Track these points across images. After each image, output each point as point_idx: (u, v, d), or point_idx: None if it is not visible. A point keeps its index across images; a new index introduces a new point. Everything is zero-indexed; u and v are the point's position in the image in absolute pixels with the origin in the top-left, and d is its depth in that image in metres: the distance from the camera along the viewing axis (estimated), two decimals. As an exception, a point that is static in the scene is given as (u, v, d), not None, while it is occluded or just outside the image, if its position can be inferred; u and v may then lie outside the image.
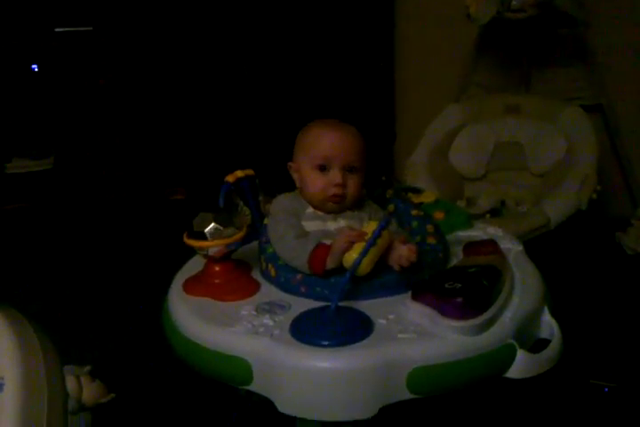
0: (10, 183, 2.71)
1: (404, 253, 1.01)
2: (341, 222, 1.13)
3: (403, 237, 1.05)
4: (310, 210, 1.14)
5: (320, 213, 1.14)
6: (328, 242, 1.05)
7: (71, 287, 2.32)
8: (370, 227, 1.02)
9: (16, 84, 2.68)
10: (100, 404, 1.41)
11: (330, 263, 1.01)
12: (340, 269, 1.02)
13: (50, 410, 0.80)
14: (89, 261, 2.53)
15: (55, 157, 2.77)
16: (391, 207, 1.28)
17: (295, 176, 1.18)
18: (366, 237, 1.00)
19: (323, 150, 1.11)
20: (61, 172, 2.75)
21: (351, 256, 0.99)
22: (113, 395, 1.44)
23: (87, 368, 1.49)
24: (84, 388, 1.40)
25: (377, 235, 0.99)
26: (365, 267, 0.99)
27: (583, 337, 1.71)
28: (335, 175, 1.10)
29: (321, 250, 1.03)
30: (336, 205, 1.13)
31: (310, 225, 1.12)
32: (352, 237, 1.00)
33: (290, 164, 1.18)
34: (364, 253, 0.98)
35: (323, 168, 1.11)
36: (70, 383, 1.38)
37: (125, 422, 1.45)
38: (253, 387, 0.94)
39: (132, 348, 1.85)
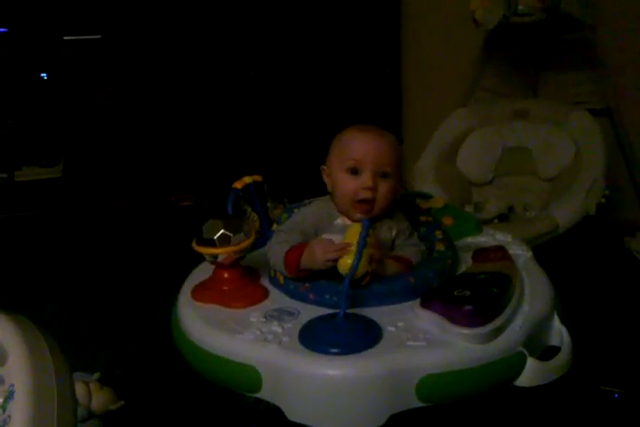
0: (19, 191, 2.72)
1: None
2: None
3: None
4: (339, 221, 1.12)
5: (349, 222, 1.11)
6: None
7: (80, 294, 2.33)
8: (354, 230, 1.01)
9: (25, 92, 2.69)
10: (109, 411, 1.42)
11: (304, 263, 1.01)
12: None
13: (60, 418, 0.80)
14: (98, 268, 2.54)
15: (64, 164, 2.78)
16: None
17: (327, 180, 1.15)
18: (352, 245, 0.99)
19: (354, 153, 1.08)
20: (70, 179, 2.76)
21: (345, 262, 0.99)
22: (122, 402, 1.44)
23: (96, 376, 1.50)
24: (93, 395, 1.41)
25: (365, 235, 0.99)
26: (361, 269, 0.99)
27: (593, 344, 1.70)
28: (366, 178, 1.07)
29: (294, 250, 1.02)
30: (363, 211, 1.09)
31: (339, 238, 1.06)
32: (332, 256, 0.99)
33: (323, 167, 1.16)
34: (357, 259, 0.98)
35: (354, 171, 1.08)
36: (79, 391, 1.39)
37: (134, 429, 1.45)
38: (262, 394, 0.94)
39: (141, 355, 1.85)
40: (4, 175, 2.72)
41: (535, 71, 2.66)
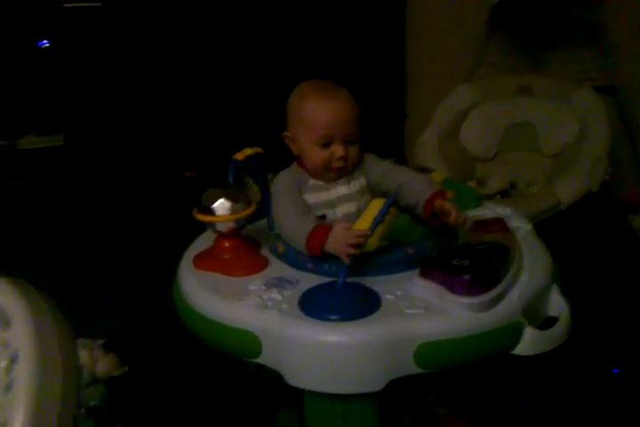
0: (21, 159, 2.72)
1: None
2: (341, 190, 1.13)
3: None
4: (311, 182, 1.14)
5: (321, 182, 1.14)
6: (330, 217, 1.09)
7: (84, 262, 2.34)
8: (376, 204, 1.02)
9: (26, 61, 2.67)
10: (113, 376, 1.44)
11: (329, 248, 1.00)
12: None
13: (64, 382, 0.81)
14: (100, 236, 2.55)
15: (65, 133, 2.77)
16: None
17: (292, 145, 1.17)
18: (374, 215, 0.99)
19: (324, 128, 1.09)
20: (71, 148, 2.75)
21: None
22: (126, 368, 1.46)
23: (100, 342, 1.51)
24: (97, 361, 1.43)
25: (385, 212, 0.99)
26: (373, 244, 0.99)
27: (594, 318, 1.72)
28: (337, 149, 1.10)
29: (319, 232, 1.02)
30: (338, 174, 1.13)
31: (314, 197, 1.13)
32: (352, 242, 0.97)
33: (286, 133, 1.17)
34: (372, 229, 0.98)
35: (325, 144, 1.10)
36: (84, 356, 1.41)
37: (138, 393, 1.47)
38: (262, 360, 0.96)
39: (144, 322, 1.88)
40: (6, 143, 2.71)
41: (540, 47, 2.64)
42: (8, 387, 0.79)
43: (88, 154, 2.80)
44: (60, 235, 2.57)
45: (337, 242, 0.99)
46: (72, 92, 2.76)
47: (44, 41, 2.68)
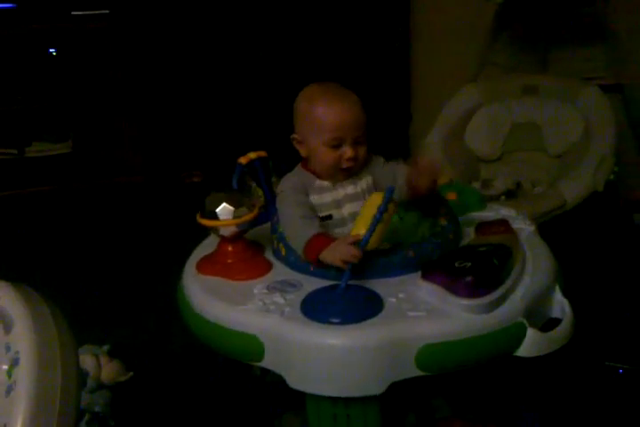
0: (30, 167, 2.74)
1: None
2: (348, 189, 1.14)
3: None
4: (318, 182, 1.14)
5: (327, 183, 1.14)
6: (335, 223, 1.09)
7: (91, 268, 2.36)
8: (373, 200, 1.02)
9: (34, 68, 2.69)
10: (118, 382, 1.45)
11: (324, 258, 1.01)
12: None
13: (63, 386, 0.82)
14: (107, 243, 2.56)
15: (73, 140, 2.79)
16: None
17: (300, 147, 1.17)
18: (373, 214, 0.99)
19: (335, 130, 1.10)
20: (80, 155, 2.77)
21: (358, 233, 0.99)
22: (131, 373, 1.48)
23: (106, 348, 1.53)
24: (102, 367, 1.44)
25: (382, 210, 0.99)
26: (374, 242, 0.99)
27: (599, 319, 1.71)
28: (347, 150, 1.11)
29: (319, 241, 1.02)
30: (346, 175, 1.14)
31: (320, 197, 1.13)
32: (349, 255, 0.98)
33: (294, 136, 1.17)
34: (371, 230, 0.98)
35: (335, 145, 1.11)
36: (89, 362, 1.42)
37: (143, 399, 1.48)
38: (265, 363, 0.96)
39: (150, 327, 1.89)
40: (15, 151, 2.73)
41: (546, 46, 2.63)
42: (9, 389, 0.80)
43: (96, 161, 2.81)
44: (67, 241, 2.59)
45: (333, 254, 0.99)
46: (80, 99, 2.78)
47: (52, 48, 2.69)
